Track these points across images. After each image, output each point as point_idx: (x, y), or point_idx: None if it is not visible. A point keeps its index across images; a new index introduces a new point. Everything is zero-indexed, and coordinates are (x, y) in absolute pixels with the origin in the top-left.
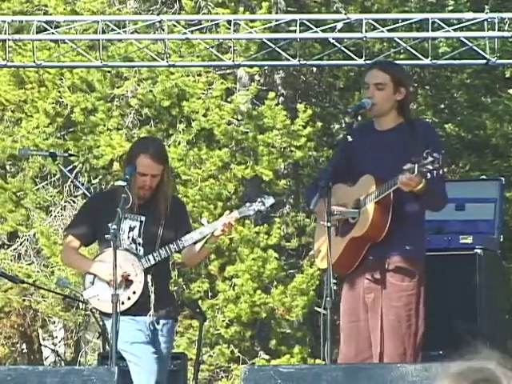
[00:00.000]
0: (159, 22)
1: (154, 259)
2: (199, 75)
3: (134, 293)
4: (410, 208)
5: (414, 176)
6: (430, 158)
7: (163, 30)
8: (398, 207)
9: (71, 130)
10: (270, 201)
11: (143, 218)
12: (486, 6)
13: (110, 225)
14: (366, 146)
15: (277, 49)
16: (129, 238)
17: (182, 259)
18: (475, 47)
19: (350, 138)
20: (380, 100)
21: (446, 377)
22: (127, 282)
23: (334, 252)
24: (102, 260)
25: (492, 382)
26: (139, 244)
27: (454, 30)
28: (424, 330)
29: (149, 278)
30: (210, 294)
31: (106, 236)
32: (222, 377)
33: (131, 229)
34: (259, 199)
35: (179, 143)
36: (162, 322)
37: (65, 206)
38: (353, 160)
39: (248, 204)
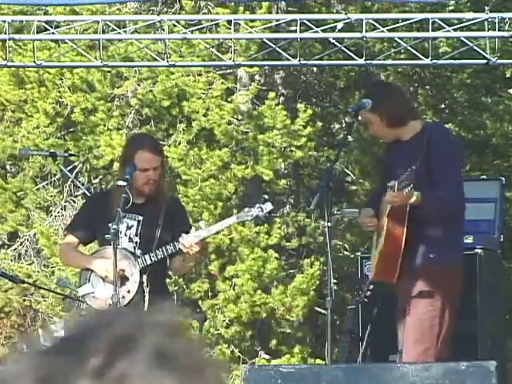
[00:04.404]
0: (159, 21)
1: (151, 259)
2: (199, 75)
3: (129, 292)
4: (427, 217)
5: (397, 193)
6: (405, 174)
7: (163, 30)
8: (416, 218)
9: (71, 130)
10: (268, 207)
11: (141, 218)
12: (486, 7)
13: (110, 224)
14: (392, 157)
15: (277, 49)
16: (126, 235)
17: (170, 269)
18: (475, 47)
19: (350, 138)
20: (376, 134)
21: None
22: (122, 279)
23: (373, 265)
24: (99, 257)
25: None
26: (136, 243)
27: (455, 29)
28: (447, 331)
29: (144, 277)
30: (210, 293)
31: (106, 236)
32: None
33: (129, 227)
34: (258, 205)
35: (179, 143)
36: None
37: (65, 205)
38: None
39: (246, 209)
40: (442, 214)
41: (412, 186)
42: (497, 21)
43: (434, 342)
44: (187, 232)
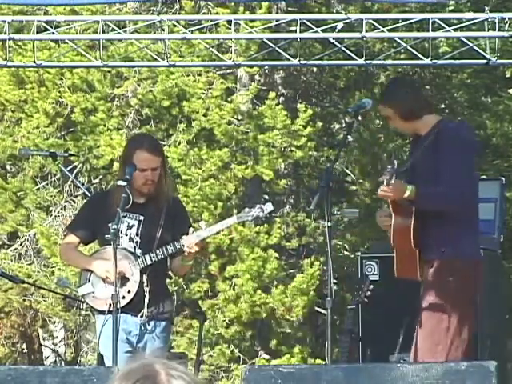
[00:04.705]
0: (159, 21)
1: (151, 259)
2: (199, 75)
3: (129, 292)
4: (430, 213)
5: (385, 187)
6: (388, 168)
7: (163, 30)
8: (423, 214)
9: (71, 130)
10: (269, 207)
11: (142, 218)
12: (486, 7)
13: (110, 224)
14: (411, 152)
15: (277, 49)
16: (127, 235)
17: (170, 269)
18: (475, 47)
19: (350, 138)
20: (395, 127)
21: (113, 380)
22: (122, 279)
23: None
24: (99, 257)
25: (151, 378)
26: (136, 243)
27: (455, 29)
28: (461, 330)
29: (144, 277)
30: (210, 293)
31: (106, 236)
32: (223, 377)
33: (129, 227)
34: (258, 205)
35: (179, 143)
36: (154, 322)
37: (65, 205)
38: None
39: (247, 210)
40: (440, 211)
41: (393, 179)
42: (497, 21)
43: (444, 340)
44: (188, 233)
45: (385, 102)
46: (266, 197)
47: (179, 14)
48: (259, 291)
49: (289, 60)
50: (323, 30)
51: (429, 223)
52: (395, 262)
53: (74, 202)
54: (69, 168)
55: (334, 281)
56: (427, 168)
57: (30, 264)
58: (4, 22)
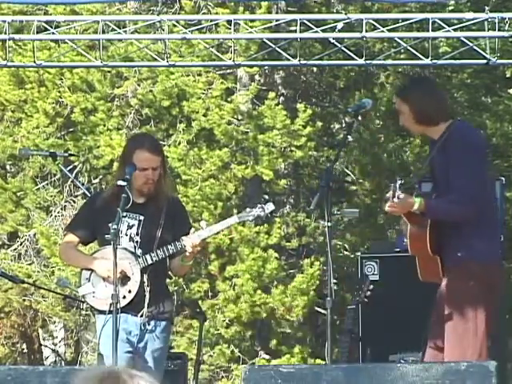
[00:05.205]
0: (159, 21)
1: (152, 259)
2: (199, 75)
3: (130, 291)
4: (443, 221)
5: (391, 202)
6: (391, 185)
7: (163, 30)
8: (437, 221)
9: (71, 130)
10: (270, 207)
11: (142, 218)
12: (486, 7)
13: (110, 224)
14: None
15: (277, 49)
16: (127, 235)
17: (170, 269)
18: (475, 47)
19: (350, 138)
20: (404, 124)
21: (75, 382)
22: (123, 279)
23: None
24: (100, 257)
25: (116, 379)
26: (137, 243)
27: (455, 29)
28: (485, 332)
29: (145, 277)
30: (210, 293)
31: (106, 236)
32: (223, 377)
33: (129, 227)
34: (259, 205)
35: (179, 143)
36: (154, 322)
37: (65, 205)
38: None
39: (248, 209)
40: (453, 218)
41: (399, 194)
42: (497, 21)
43: (471, 343)
44: (188, 232)
45: (403, 96)
46: (267, 197)
47: (179, 14)
48: (259, 291)
49: (289, 60)
50: (323, 30)
51: (444, 229)
52: (418, 268)
53: (74, 201)
54: (69, 168)
55: (334, 281)
56: (440, 172)
57: (30, 264)
58: (4, 22)
